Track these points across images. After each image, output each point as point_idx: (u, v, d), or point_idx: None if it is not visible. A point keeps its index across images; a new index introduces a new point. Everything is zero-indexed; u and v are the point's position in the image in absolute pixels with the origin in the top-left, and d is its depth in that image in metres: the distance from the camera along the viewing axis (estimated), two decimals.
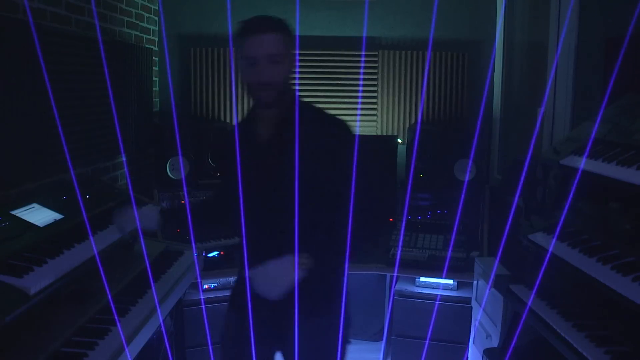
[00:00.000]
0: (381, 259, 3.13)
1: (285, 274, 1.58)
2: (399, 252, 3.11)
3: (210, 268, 3.03)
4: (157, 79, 3.70)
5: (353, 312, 1.84)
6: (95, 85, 2.64)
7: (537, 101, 3.12)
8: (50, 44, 2.30)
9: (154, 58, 3.60)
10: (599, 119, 2.00)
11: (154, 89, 3.62)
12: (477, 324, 2.84)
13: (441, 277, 3.07)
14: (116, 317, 1.80)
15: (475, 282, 2.89)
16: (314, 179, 1.62)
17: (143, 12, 3.46)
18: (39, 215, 1.95)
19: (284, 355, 1.83)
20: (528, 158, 2.15)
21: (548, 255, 1.81)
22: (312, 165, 1.60)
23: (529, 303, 1.88)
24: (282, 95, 1.68)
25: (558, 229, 1.88)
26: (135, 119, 3.19)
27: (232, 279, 2.95)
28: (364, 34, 3.66)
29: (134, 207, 1.91)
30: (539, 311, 1.83)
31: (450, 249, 3.13)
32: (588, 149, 1.88)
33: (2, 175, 2.05)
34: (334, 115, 1.78)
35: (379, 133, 3.74)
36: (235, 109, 3.72)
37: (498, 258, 2.31)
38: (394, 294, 3.14)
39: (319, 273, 1.63)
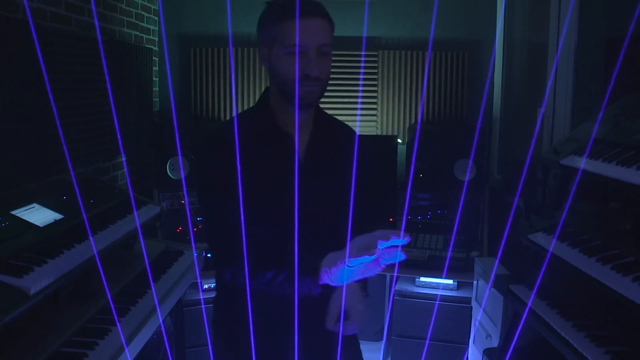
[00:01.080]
0: None
1: (358, 294, 1.48)
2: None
3: (210, 268, 3.02)
4: (157, 79, 3.70)
5: None
6: (95, 85, 2.64)
7: (537, 101, 3.12)
8: (50, 44, 2.30)
9: (154, 58, 3.60)
10: (599, 119, 2.00)
11: (154, 89, 3.62)
12: (477, 324, 2.84)
13: (441, 277, 3.08)
14: (116, 317, 1.79)
15: (475, 282, 2.89)
16: (349, 197, 1.44)
17: (143, 12, 3.46)
18: (39, 215, 1.94)
19: None
20: (528, 158, 2.15)
21: (548, 255, 1.80)
22: (350, 180, 1.43)
23: (529, 303, 1.87)
24: (321, 96, 1.44)
25: (558, 229, 1.88)
26: (135, 118, 3.19)
27: None
28: (364, 34, 3.66)
29: None
30: (539, 311, 1.82)
31: (450, 249, 3.13)
32: (588, 149, 1.87)
33: (2, 175, 2.04)
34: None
35: (379, 133, 3.74)
36: (235, 109, 3.71)
37: (498, 258, 2.31)
38: (394, 294, 3.14)
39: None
